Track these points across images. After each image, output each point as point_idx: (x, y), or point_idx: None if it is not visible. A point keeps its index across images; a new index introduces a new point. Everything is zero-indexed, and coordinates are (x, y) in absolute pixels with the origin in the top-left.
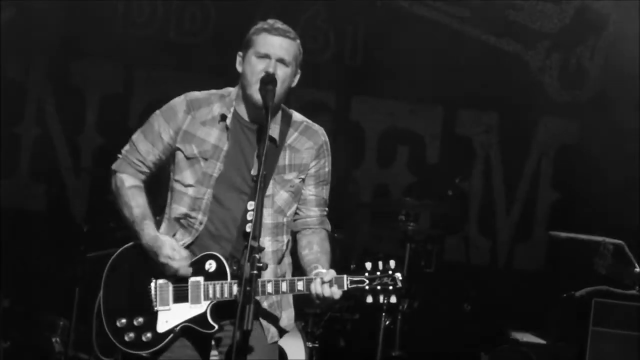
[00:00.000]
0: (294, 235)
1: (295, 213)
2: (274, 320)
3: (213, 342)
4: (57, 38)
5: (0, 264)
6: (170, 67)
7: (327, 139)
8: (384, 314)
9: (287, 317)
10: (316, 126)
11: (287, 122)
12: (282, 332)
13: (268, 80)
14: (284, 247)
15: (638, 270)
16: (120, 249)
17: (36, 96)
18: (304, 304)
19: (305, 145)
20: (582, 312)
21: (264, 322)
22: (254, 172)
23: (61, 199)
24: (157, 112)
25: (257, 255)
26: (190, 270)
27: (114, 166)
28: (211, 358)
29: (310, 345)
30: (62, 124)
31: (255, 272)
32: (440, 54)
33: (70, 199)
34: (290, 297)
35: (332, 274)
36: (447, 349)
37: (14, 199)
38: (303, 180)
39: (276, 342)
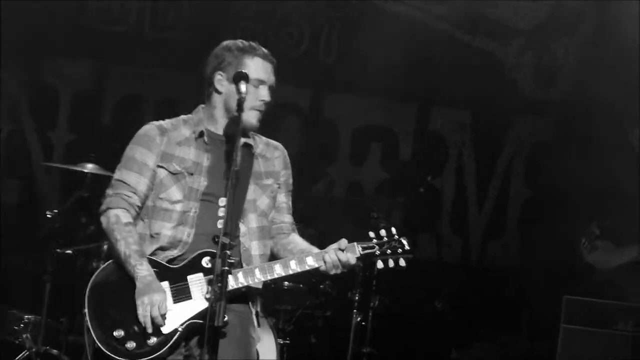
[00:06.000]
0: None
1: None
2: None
3: None
4: (30, 34)
5: None
6: (142, 64)
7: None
8: (355, 310)
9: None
10: (275, 142)
11: (252, 134)
12: (253, 294)
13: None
14: (269, 252)
15: None
16: (104, 265)
17: (9, 92)
18: (275, 300)
19: (274, 154)
20: (553, 310)
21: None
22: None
23: (33, 194)
24: (131, 144)
25: (227, 252)
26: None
27: (103, 206)
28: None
29: (282, 342)
30: (34, 120)
31: (226, 268)
32: (414, 51)
33: (42, 194)
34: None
35: (345, 242)
36: (418, 346)
37: None
38: (279, 186)
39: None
